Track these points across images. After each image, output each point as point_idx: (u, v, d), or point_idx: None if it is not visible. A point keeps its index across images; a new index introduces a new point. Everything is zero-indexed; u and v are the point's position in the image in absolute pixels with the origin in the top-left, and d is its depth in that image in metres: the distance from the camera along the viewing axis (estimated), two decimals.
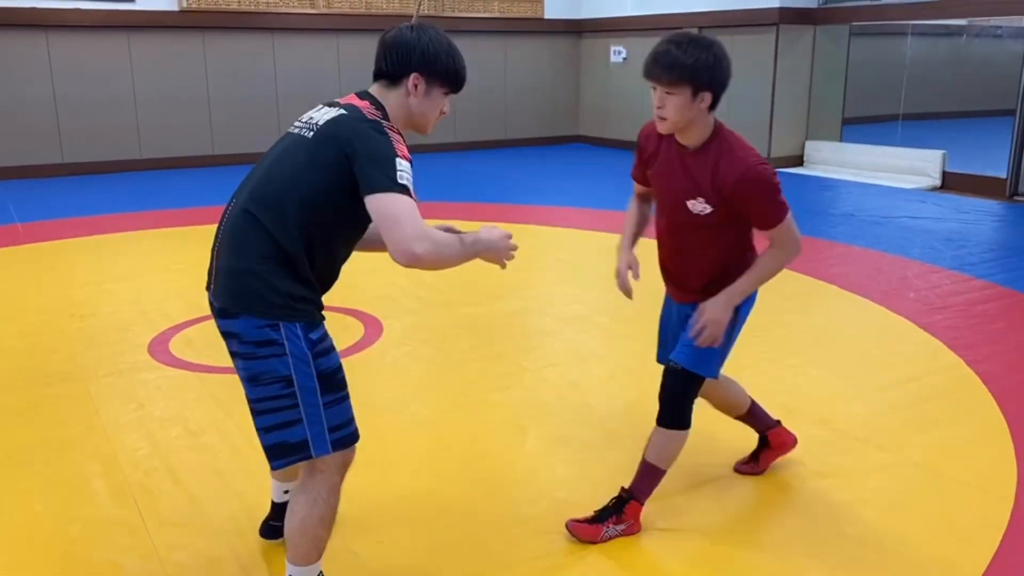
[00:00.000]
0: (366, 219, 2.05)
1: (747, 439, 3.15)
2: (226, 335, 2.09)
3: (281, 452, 2.09)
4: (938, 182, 9.62)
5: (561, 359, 4.25)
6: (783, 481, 3.02)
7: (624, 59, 12.38)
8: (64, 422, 3.49)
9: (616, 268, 2.74)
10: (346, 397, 2.13)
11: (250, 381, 2.06)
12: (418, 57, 2.11)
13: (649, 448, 2.67)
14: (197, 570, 2.50)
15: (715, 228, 2.52)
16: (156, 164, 10.52)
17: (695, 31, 2.43)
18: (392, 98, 2.14)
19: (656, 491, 2.69)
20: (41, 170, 9.91)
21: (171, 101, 10.53)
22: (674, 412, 2.63)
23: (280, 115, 11.08)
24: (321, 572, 2.25)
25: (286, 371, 2.02)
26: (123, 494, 2.91)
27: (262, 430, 2.10)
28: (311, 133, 2.07)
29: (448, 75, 2.16)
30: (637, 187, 2.84)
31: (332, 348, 2.12)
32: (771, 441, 3.03)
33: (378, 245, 2.06)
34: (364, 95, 2.15)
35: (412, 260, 1.91)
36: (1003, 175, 8.98)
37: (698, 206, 2.50)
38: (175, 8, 10.34)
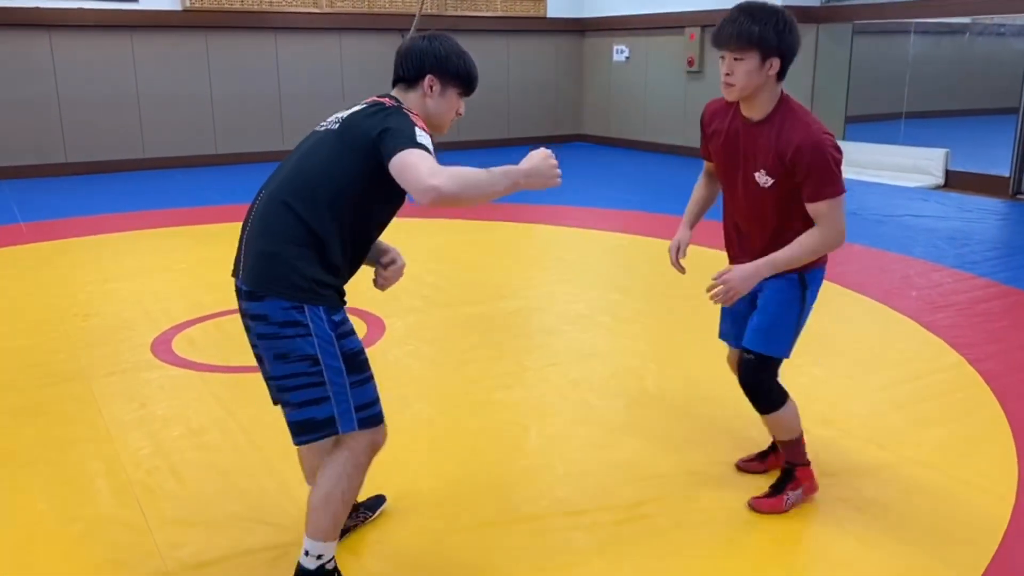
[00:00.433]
0: (398, 198, 2.18)
1: (747, 439, 3.16)
2: (253, 318, 2.15)
3: (308, 428, 2.17)
4: (941, 180, 9.61)
5: (563, 358, 4.25)
6: None
7: (627, 58, 12.37)
8: (67, 421, 3.50)
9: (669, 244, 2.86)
10: (370, 379, 2.22)
11: (277, 359, 2.14)
12: (431, 60, 2.24)
13: (770, 431, 2.81)
14: (199, 569, 2.50)
15: (778, 200, 2.54)
16: (159, 163, 10.54)
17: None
18: (411, 99, 2.27)
19: (655, 490, 2.68)
20: (44, 169, 9.93)
21: (174, 101, 10.55)
22: (760, 399, 2.70)
23: (283, 114, 11.10)
24: (335, 562, 2.29)
25: (312, 350, 2.11)
26: (125, 493, 2.92)
27: (289, 406, 2.17)
28: (337, 125, 2.20)
29: (460, 76, 2.28)
30: (706, 164, 2.89)
31: (353, 332, 2.21)
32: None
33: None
34: (384, 96, 2.28)
35: (434, 196, 1.95)
36: (1006, 173, 8.97)
37: (761, 178, 2.53)
38: (178, 8, 10.36)
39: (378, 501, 2.76)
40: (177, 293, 5.27)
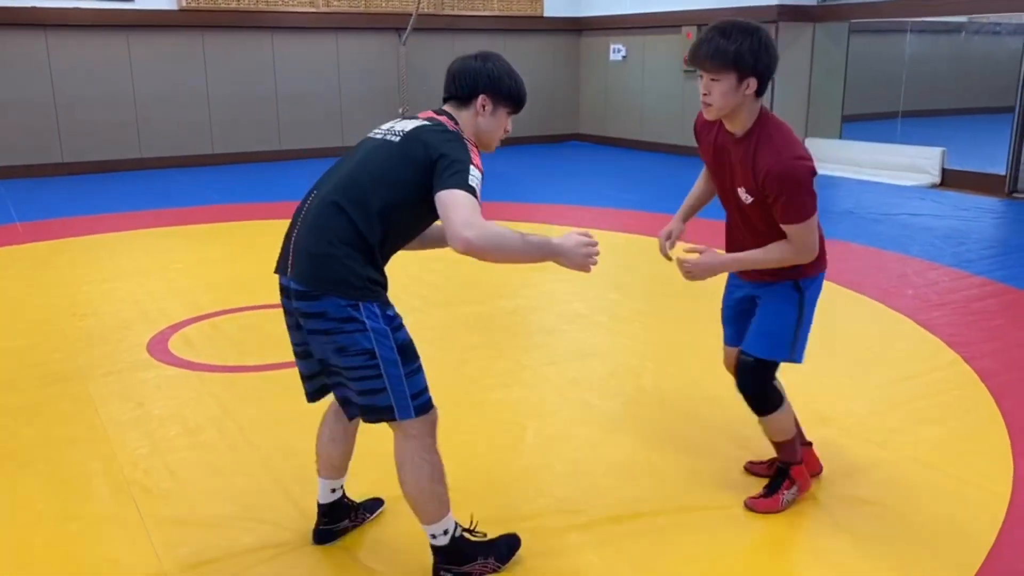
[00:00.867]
0: (431, 219, 2.28)
1: (745, 438, 3.16)
2: (306, 316, 2.22)
3: (371, 413, 2.28)
4: (937, 179, 9.62)
5: (561, 357, 4.26)
6: None
7: (623, 57, 12.37)
8: (64, 421, 3.49)
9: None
10: (421, 368, 2.31)
11: (338, 353, 2.22)
12: (485, 80, 2.33)
13: (765, 432, 2.80)
14: (196, 568, 2.50)
15: (763, 213, 2.55)
16: (156, 163, 10.53)
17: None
18: (463, 117, 2.36)
19: (653, 489, 2.68)
20: (41, 169, 9.92)
21: (171, 100, 10.54)
22: (757, 401, 2.72)
23: (279, 114, 11.10)
24: (456, 521, 2.40)
25: (369, 345, 2.19)
26: (122, 492, 2.92)
27: (354, 394, 2.28)
28: (398, 138, 2.27)
29: (512, 96, 2.37)
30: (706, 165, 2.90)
31: (403, 323, 2.29)
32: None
33: (428, 243, 2.50)
34: (441, 112, 2.36)
35: (465, 246, 2.06)
36: (1002, 172, 8.98)
37: (743, 195, 2.55)
38: (174, 7, 10.35)
39: (376, 503, 2.77)
40: (174, 293, 5.26)
